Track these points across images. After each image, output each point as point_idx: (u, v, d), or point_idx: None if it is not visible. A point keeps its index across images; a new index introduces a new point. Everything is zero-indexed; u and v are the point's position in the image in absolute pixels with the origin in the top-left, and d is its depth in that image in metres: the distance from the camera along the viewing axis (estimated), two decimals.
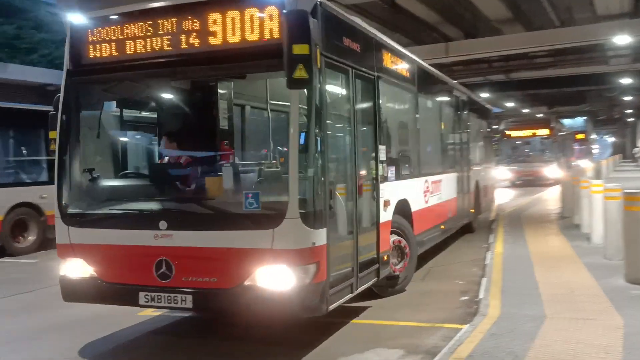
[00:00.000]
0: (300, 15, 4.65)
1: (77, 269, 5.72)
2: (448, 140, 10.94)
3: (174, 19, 5.37)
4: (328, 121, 5.43)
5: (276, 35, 5.02)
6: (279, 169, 5.88)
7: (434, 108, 10.04)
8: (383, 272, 6.77)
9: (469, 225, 12.47)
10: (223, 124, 6.59)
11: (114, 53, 5.63)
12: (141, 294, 5.41)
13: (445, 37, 20.68)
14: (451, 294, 7.68)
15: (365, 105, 6.56)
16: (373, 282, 6.55)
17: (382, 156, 6.81)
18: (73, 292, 5.81)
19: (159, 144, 6.68)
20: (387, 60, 7.23)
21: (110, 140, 6.28)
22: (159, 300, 5.37)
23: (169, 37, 5.40)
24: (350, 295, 5.86)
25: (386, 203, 6.91)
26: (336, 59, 5.64)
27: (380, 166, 6.73)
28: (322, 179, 5.19)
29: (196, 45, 5.32)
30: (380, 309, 7.02)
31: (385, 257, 6.87)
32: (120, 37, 5.59)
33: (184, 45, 5.35)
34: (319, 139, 5.17)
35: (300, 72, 4.51)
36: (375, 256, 6.60)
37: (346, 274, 5.82)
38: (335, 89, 5.85)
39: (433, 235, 9.19)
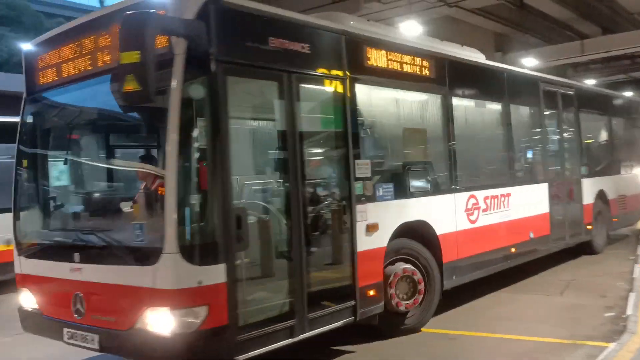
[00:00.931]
0: (130, 19, 4.00)
1: (26, 299, 5.63)
2: (524, 147, 9.17)
3: (82, 38, 5.04)
4: (245, 133, 4.70)
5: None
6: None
7: (490, 109, 8.41)
8: (367, 310, 5.72)
9: (586, 244, 10.40)
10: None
11: (50, 76, 5.46)
12: (64, 330, 5.11)
13: (579, 35, 18.60)
14: (594, 309, 7.05)
15: (323, 113, 5.63)
16: (346, 322, 5.53)
17: (363, 172, 5.76)
18: (26, 323, 5.71)
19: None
20: (371, 57, 6.09)
21: (60, 167, 6.12)
22: (76, 338, 5.01)
23: (80, 57, 5.07)
24: (289, 341, 4.96)
25: (371, 227, 5.82)
26: (254, 64, 4.84)
27: (357, 184, 5.69)
28: (217, 204, 4.43)
29: (102, 62, 4.92)
30: (518, 321, 6.64)
31: (372, 292, 5.79)
32: (54, 60, 5.41)
33: (91, 63, 4.99)
34: (215, 156, 4.44)
35: (130, 84, 3.84)
36: (350, 292, 5.58)
37: (278, 316, 4.94)
38: (253, 97, 5.04)
39: (489, 260, 7.66)
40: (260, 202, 5.35)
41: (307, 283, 5.16)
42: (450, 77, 7.18)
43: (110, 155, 5.74)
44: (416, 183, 6.52)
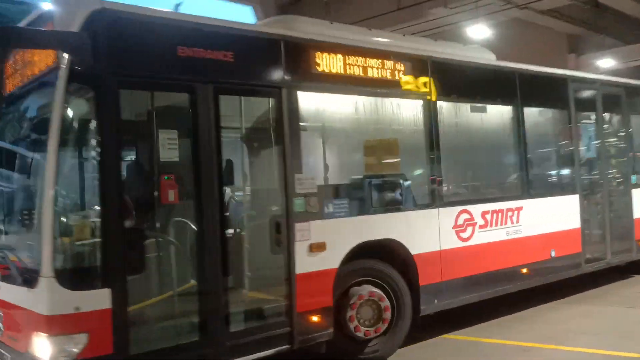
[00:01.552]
0: None
1: None
2: (542, 155, 8.18)
3: None
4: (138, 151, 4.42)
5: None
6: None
7: (497, 114, 7.50)
8: (308, 338, 5.26)
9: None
10: None
11: None
12: None
13: None
14: None
15: (252, 124, 5.23)
16: (280, 350, 5.10)
17: (306, 187, 5.29)
18: None
19: None
20: (322, 62, 5.58)
21: None
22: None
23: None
24: None
25: (316, 247, 5.34)
26: (158, 75, 4.55)
27: (298, 200, 5.24)
28: (101, 224, 4.19)
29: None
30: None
31: (316, 318, 5.31)
32: None
33: None
34: (103, 174, 4.20)
35: None
36: (286, 317, 5.14)
37: (187, 344, 4.60)
38: (160, 110, 4.72)
39: (489, 282, 6.85)
40: (172, 219, 5.03)
41: (226, 307, 4.80)
42: (435, 79, 6.50)
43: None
44: (382, 197, 5.93)
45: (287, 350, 5.16)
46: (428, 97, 6.42)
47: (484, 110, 7.21)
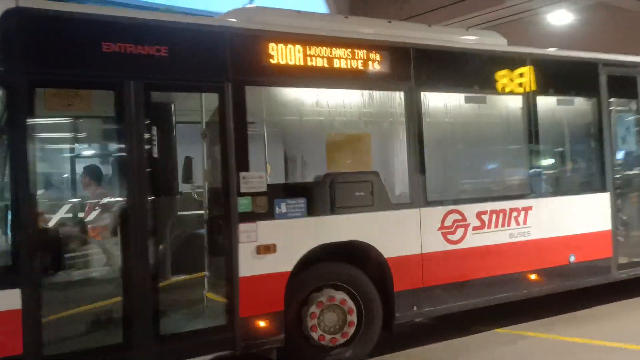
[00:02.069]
0: None
1: None
2: (560, 149, 7.35)
3: None
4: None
5: None
6: None
7: (502, 104, 6.79)
8: (255, 344, 5.04)
9: None
10: None
11: None
12: None
13: None
14: None
15: (191, 121, 5.02)
16: (219, 355, 4.90)
17: (253, 186, 5.04)
18: None
19: None
20: (276, 53, 5.25)
21: None
22: None
23: None
24: None
25: (265, 249, 5.08)
26: (80, 73, 4.48)
27: (243, 200, 5.00)
28: (14, 222, 4.19)
29: None
30: None
31: (264, 323, 5.06)
32: None
33: None
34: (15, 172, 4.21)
35: None
36: (228, 322, 4.94)
37: (110, 346, 4.52)
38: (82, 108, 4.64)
39: (486, 288, 6.28)
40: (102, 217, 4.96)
41: (155, 309, 4.66)
42: (418, 68, 6.00)
43: None
44: (347, 196, 5.54)
45: (229, 355, 4.96)
46: (409, 88, 5.94)
47: (482, 100, 6.59)
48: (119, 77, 4.59)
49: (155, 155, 4.67)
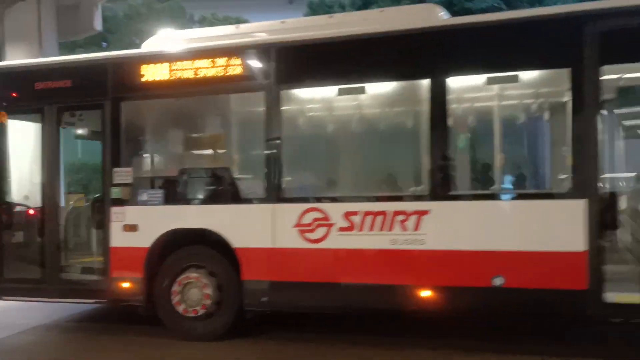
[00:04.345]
0: None
1: None
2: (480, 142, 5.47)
3: None
4: None
5: None
6: None
7: (386, 94, 5.55)
8: (121, 299, 6.62)
9: None
10: None
11: None
12: None
13: None
14: None
15: (87, 133, 6.81)
16: (97, 302, 6.77)
17: (122, 179, 6.56)
18: None
19: None
20: (146, 73, 6.42)
21: None
22: None
23: None
24: (42, 299, 6.90)
25: (129, 228, 6.53)
26: (20, 103, 7.03)
27: (115, 189, 6.59)
28: None
29: None
30: None
31: (128, 285, 6.56)
32: None
33: None
34: None
35: None
36: (103, 278, 6.66)
37: (34, 279, 6.92)
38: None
39: (357, 295, 5.77)
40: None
41: (59, 264, 6.84)
42: (278, 66, 6.07)
43: None
44: (198, 189, 6.32)
45: (103, 303, 6.71)
46: (269, 87, 6.12)
47: (361, 91, 5.91)
48: (44, 104, 6.92)
49: None
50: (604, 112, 5.35)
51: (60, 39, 16.77)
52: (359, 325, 6.60)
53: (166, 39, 6.99)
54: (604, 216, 5.17)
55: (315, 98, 6.32)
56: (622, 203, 5.61)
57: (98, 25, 17.81)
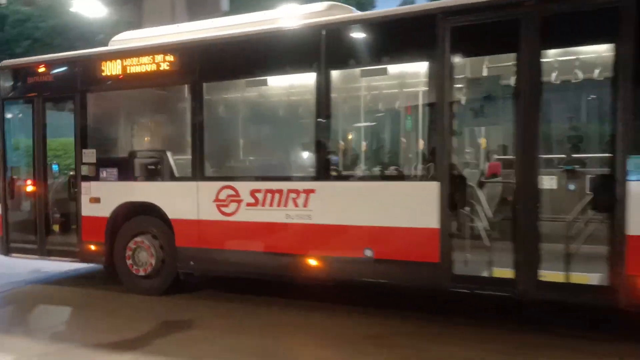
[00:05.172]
0: None
1: None
2: (355, 130, 6.02)
3: None
4: None
5: None
6: None
7: (286, 89, 6.19)
8: (89, 259, 7.99)
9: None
10: None
11: None
12: None
13: None
14: None
15: (65, 121, 8.07)
16: (73, 261, 8.11)
17: (88, 158, 7.81)
18: None
19: None
20: (105, 69, 7.56)
21: None
22: None
23: None
24: (37, 256, 8.38)
25: (94, 200, 7.81)
26: (19, 94, 8.43)
27: (84, 167, 7.88)
28: None
29: None
30: None
31: (94, 247, 7.87)
32: None
33: None
34: None
35: None
36: (77, 242, 8.01)
37: (27, 238, 8.39)
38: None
39: (257, 262, 6.69)
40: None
41: (44, 229, 8.26)
42: (200, 62, 7.01)
43: None
44: (143, 169, 7.43)
45: (77, 262, 8.08)
46: (193, 81, 7.07)
47: (263, 83, 6.69)
48: (34, 96, 8.30)
49: None
50: (455, 102, 5.80)
51: (191, 19, 17.70)
52: (311, 291, 7.38)
53: (125, 39, 8.09)
54: (453, 197, 5.72)
55: (229, 90, 7.21)
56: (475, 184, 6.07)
57: (225, 5, 18.73)
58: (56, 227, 8.37)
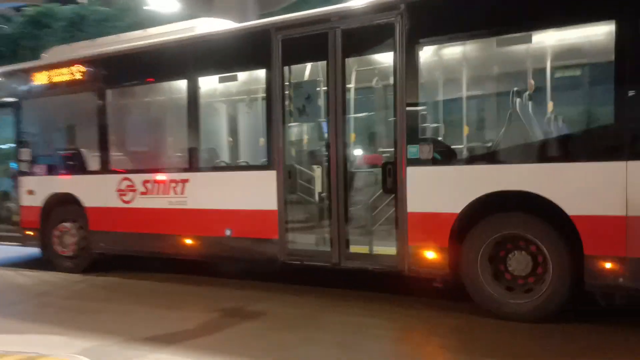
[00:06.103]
0: None
1: None
2: (213, 128, 7.08)
3: None
4: None
5: None
6: None
7: (167, 94, 7.33)
8: (28, 244, 9.28)
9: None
10: None
11: None
12: None
13: None
14: None
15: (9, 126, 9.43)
16: (16, 245, 9.43)
17: (24, 156, 9.14)
18: None
19: None
20: (36, 80, 8.86)
21: None
22: None
23: None
24: None
25: (29, 192, 9.13)
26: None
27: (22, 164, 9.21)
28: None
29: None
30: None
31: (31, 233, 9.19)
32: None
33: None
34: None
35: None
36: (18, 228, 9.35)
37: None
38: None
39: (149, 242, 7.88)
40: None
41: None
42: (107, 72, 8.23)
43: None
44: (64, 165, 8.73)
45: (19, 246, 9.41)
46: (98, 91, 8.32)
47: (150, 90, 7.86)
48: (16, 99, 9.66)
49: None
50: (286, 104, 6.84)
51: (262, 11, 17.67)
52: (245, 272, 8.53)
53: (57, 52, 9.38)
54: (286, 183, 6.76)
55: (126, 96, 8.43)
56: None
57: None
58: (6, 216, 9.74)
